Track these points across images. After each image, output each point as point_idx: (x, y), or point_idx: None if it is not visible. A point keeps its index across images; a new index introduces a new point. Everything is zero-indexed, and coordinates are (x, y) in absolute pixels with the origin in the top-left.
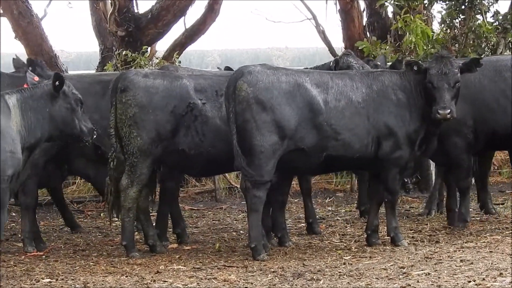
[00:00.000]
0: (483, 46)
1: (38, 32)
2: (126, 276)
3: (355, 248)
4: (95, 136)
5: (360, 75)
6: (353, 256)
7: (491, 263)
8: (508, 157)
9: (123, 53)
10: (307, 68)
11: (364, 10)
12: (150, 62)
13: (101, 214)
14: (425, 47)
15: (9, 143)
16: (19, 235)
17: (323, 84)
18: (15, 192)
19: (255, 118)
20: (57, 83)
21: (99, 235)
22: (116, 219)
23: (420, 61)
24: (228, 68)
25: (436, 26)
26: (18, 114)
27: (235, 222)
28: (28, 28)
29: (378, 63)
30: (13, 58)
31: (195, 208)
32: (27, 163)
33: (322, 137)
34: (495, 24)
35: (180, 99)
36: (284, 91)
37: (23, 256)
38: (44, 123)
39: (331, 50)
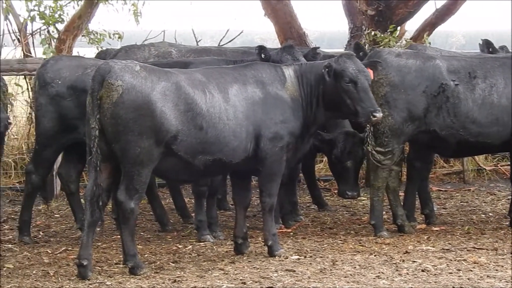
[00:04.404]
0: None
1: (287, 10)
2: (374, 255)
3: None
4: (375, 118)
5: None
6: None
7: None
8: None
9: (372, 32)
10: None
11: None
12: (399, 42)
13: None
14: None
15: (280, 112)
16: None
17: None
18: (291, 165)
19: None
20: (326, 69)
21: (346, 213)
22: (364, 198)
23: None
24: (487, 42)
25: None
26: (294, 84)
27: (483, 204)
28: (277, 6)
29: None
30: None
31: (443, 189)
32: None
33: None
34: None
35: (433, 79)
36: None
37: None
38: (319, 100)
39: None
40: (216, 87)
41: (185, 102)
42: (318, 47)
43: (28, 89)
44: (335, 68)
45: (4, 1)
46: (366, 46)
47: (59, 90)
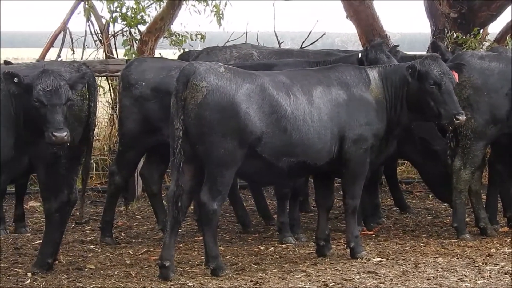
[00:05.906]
0: None
1: (369, 12)
2: (457, 258)
3: None
4: (458, 121)
5: None
6: None
7: None
8: None
9: (454, 35)
10: None
11: None
12: (481, 44)
13: (430, 196)
14: None
15: (365, 114)
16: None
17: None
18: (375, 167)
19: None
20: (410, 71)
21: (428, 216)
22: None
23: None
24: None
25: None
26: (379, 87)
27: None
28: (360, 8)
29: None
30: None
31: None
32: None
33: None
34: None
35: None
36: None
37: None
38: (403, 102)
39: None
40: (300, 89)
41: (269, 104)
42: (398, 45)
43: (110, 90)
44: (420, 70)
45: (86, 3)
46: (449, 48)
47: (143, 91)
